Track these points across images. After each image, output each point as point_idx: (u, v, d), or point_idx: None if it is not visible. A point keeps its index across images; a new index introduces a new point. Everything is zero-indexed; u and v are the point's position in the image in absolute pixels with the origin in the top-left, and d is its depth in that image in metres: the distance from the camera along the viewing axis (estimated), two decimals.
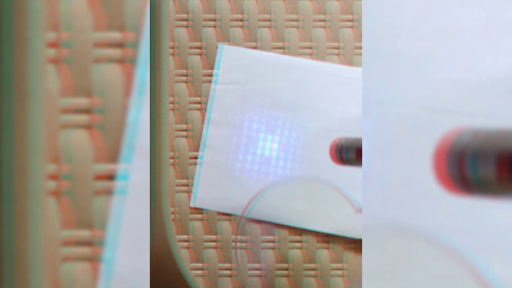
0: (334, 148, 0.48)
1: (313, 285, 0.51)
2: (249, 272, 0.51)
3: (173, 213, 0.51)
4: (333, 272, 0.51)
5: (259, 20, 0.52)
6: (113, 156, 0.36)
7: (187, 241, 0.51)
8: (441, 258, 0.33)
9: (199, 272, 0.51)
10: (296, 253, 0.51)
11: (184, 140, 0.52)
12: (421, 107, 0.35)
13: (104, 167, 0.36)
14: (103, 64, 0.36)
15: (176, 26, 0.52)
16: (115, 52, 0.36)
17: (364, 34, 0.35)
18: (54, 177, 0.35)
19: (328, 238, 0.51)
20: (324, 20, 0.52)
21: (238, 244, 0.50)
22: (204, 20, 0.52)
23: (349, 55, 0.52)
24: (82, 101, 0.36)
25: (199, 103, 0.52)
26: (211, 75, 0.52)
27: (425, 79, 0.35)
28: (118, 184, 0.36)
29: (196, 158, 0.51)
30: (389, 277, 0.34)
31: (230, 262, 0.51)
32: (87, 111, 0.36)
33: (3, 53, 0.35)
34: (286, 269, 0.51)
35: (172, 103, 0.52)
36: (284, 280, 0.51)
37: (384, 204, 0.34)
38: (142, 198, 0.36)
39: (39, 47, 0.35)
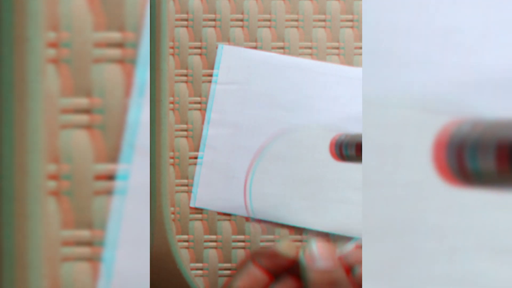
0: (334, 144, 0.48)
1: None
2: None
3: (173, 213, 0.51)
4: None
5: (259, 20, 0.52)
6: (113, 156, 0.36)
7: (187, 241, 0.51)
8: (441, 258, 0.33)
9: (199, 272, 0.51)
10: None
11: (184, 140, 0.52)
12: (421, 107, 0.35)
13: (104, 167, 0.36)
14: (103, 64, 0.36)
15: (176, 26, 0.52)
16: (115, 52, 0.36)
17: (364, 34, 0.35)
18: (54, 177, 0.35)
19: (328, 238, 0.51)
20: (324, 20, 0.52)
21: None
22: (204, 20, 0.52)
23: (349, 55, 0.52)
24: (82, 101, 0.36)
25: (199, 103, 0.52)
26: (211, 75, 0.52)
27: (425, 79, 0.35)
28: (118, 184, 0.36)
29: (196, 158, 0.51)
30: (389, 277, 0.34)
31: (230, 262, 0.51)
32: (87, 111, 0.36)
33: (3, 53, 0.35)
34: None
35: (172, 103, 0.52)
36: None
37: (384, 204, 0.34)
38: (142, 198, 0.36)
39: (39, 47, 0.35)
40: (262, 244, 0.51)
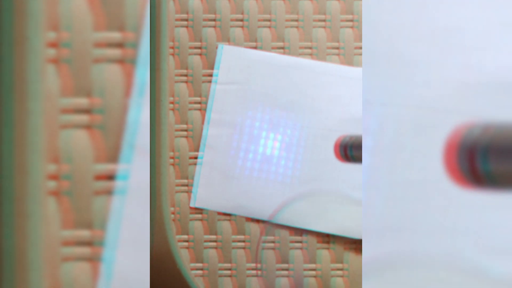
0: (338, 145, 0.48)
1: (314, 285, 0.51)
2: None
3: (173, 213, 0.51)
4: (333, 272, 0.51)
5: (259, 20, 0.52)
6: (113, 156, 0.36)
7: (187, 241, 0.51)
8: (441, 258, 0.33)
9: (199, 272, 0.51)
10: (296, 253, 0.51)
11: (184, 140, 0.52)
12: (421, 106, 0.35)
13: (104, 167, 0.36)
14: (103, 64, 0.36)
15: (176, 26, 0.52)
16: (115, 52, 0.36)
17: (364, 34, 0.35)
18: (54, 177, 0.35)
19: (328, 239, 0.51)
20: (324, 20, 0.52)
21: (264, 244, 0.50)
22: (204, 20, 0.52)
23: (349, 55, 0.52)
24: (82, 101, 0.36)
25: (199, 103, 0.52)
26: (211, 75, 0.52)
27: (425, 79, 0.35)
28: (118, 184, 0.36)
29: (196, 158, 0.51)
30: (389, 277, 0.34)
31: (230, 262, 0.51)
32: (87, 111, 0.36)
33: (3, 53, 0.35)
34: (287, 269, 0.51)
35: (172, 103, 0.52)
36: (284, 280, 0.51)
37: (384, 204, 0.34)
38: (142, 198, 0.36)
39: (39, 47, 0.35)
40: (262, 245, 0.51)
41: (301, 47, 0.52)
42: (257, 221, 0.51)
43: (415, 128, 0.34)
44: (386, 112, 0.35)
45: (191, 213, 0.51)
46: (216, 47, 0.52)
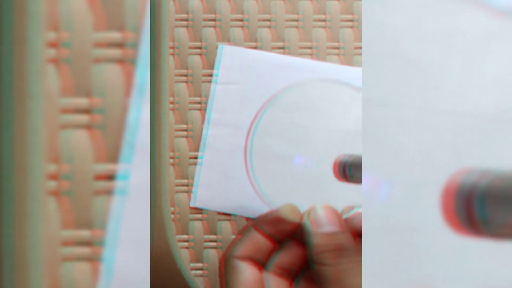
0: (337, 164, 0.48)
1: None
2: None
3: (173, 213, 0.51)
4: None
5: (259, 20, 0.52)
6: (113, 156, 0.36)
7: (187, 241, 0.51)
8: (441, 258, 0.33)
9: (199, 272, 0.51)
10: None
11: (184, 140, 0.52)
12: (422, 107, 0.35)
13: (104, 167, 0.36)
14: (103, 64, 0.36)
15: (176, 26, 0.52)
16: (115, 52, 0.36)
17: (364, 34, 0.35)
18: (54, 177, 0.35)
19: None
20: (324, 20, 0.52)
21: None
22: (204, 20, 0.52)
23: (349, 55, 0.52)
24: (82, 101, 0.36)
25: (199, 103, 0.52)
26: (211, 75, 0.52)
27: (425, 80, 0.35)
28: (118, 184, 0.36)
29: (196, 158, 0.51)
30: (389, 277, 0.34)
31: None
32: (87, 111, 0.36)
33: (3, 53, 0.35)
34: None
35: (172, 103, 0.52)
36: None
37: (384, 204, 0.34)
38: (142, 198, 0.36)
39: (39, 47, 0.35)
40: None
41: (301, 47, 0.52)
42: None
43: (415, 128, 0.34)
44: (387, 112, 0.35)
45: (191, 213, 0.51)
46: (216, 47, 0.52)
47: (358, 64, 0.52)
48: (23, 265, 0.34)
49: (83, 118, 0.36)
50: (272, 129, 0.51)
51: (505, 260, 0.33)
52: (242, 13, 0.52)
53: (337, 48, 0.52)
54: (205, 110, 0.52)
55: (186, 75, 0.52)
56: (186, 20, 0.52)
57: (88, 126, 0.36)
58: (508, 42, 0.34)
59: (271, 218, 0.43)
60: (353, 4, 0.52)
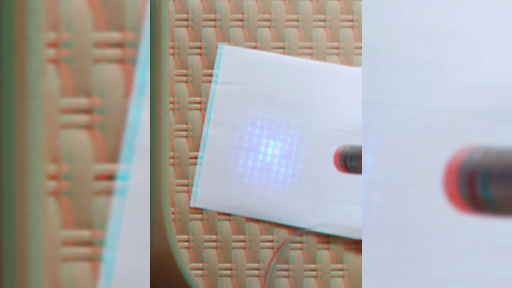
0: (338, 155, 0.48)
1: (314, 286, 0.51)
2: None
3: (173, 213, 0.51)
4: (333, 272, 0.51)
5: (259, 20, 0.52)
6: (113, 156, 0.36)
7: (187, 241, 0.51)
8: (441, 258, 0.33)
9: (199, 272, 0.51)
10: (296, 254, 0.51)
11: (184, 140, 0.52)
12: (422, 107, 0.35)
13: (104, 167, 0.36)
14: (103, 64, 0.36)
15: (176, 26, 0.52)
16: (115, 52, 0.36)
17: (364, 34, 0.35)
18: (54, 177, 0.35)
19: (328, 239, 0.51)
20: (324, 20, 0.52)
21: (277, 272, 0.49)
22: (204, 20, 0.52)
23: (349, 55, 0.52)
24: (82, 101, 0.36)
25: (199, 103, 0.52)
26: (211, 75, 0.52)
27: (425, 80, 0.35)
28: (118, 184, 0.36)
29: (196, 158, 0.51)
30: (389, 277, 0.34)
31: (230, 262, 0.51)
32: (87, 111, 0.36)
33: (3, 53, 0.35)
34: (287, 270, 0.51)
35: (172, 103, 0.52)
36: (284, 281, 0.51)
37: (384, 204, 0.34)
38: (142, 198, 0.36)
39: (39, 47, 0.35)
40: (261, 244, 0.51)
41: (301, 47, 0.52)
42: (257, 221, 0.51)
43: (415, 128, 0.34)
44: (387, 112, 0.35)
45: (191, 213, 0.51)
46: (216, 47, 0.52)
47: (358, 64, 0.52)
48: (23, 265, 0.34)
49: (83, 118, 0.36)
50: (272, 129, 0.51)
51: (505, 261, 0.33)
52: (242, 13, 0.52)
53: (337, 48, 0.52)
54: (205, 110, 0.52)
55: (186, 75, 0.52)
56: (186, 20, 0.52)
57: (88, 126, 0.36)
58: (506, 41, 0.34)
59: None
60: (353, 4, 0.52)
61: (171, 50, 0.52)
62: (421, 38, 0.35)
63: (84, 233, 0.36)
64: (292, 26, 0.52)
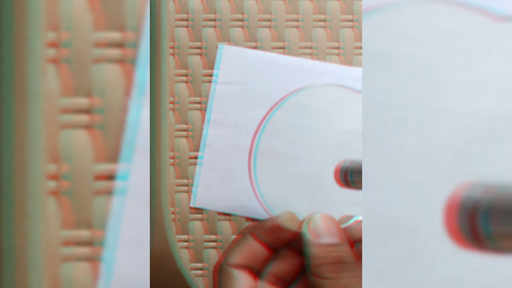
0: (339, 170, 0.47)
1: None
2: None
3: (173, 213, 0.51)
4: None
5: (259, 20, 0.52)
6: (113, 156, 0.36)
7: (187, 241, 0.51)
8: (441, 258, 0.33)
9: (199, 272, 0.51)
10: None
11: (184, 140, 0.52)
12: (422, 108, 0.35)
13: (104, 167, 0.36)
14: (103, 64, 0.36)
15: (176, 26, 0.52)
16: (115, 52, 0.36)
17: (364, 34, 0.35)
18: (54, 177, 0.35)
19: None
20: (324, 20, 0.52)
21: None
22: (204, 20, 0.52)
23: (349, 55, 0.52)
24: (82, 101, 0.36)
25: (199, 103, 0.52)
26: (211, 75, 0.52)
27: (425, 80, 0.35)
28: (118, 184, 0.36)
29: (196, 158, 0.51)
30: (389, 277, 0.34)
31: None
32: (87, 111, 0.36)
33: (3, 53, 0.35)
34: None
35: (172, 103, 0.52)
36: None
37: (384, 204, 0.34)
38: (142, 198, 0.36)
39: (39, 47, 0.35)
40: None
41: (301, 47, 0.52)
42: (257, 221, 0.51)
43: (415, 129, 0.34)
44: (387, 113, 0.35)
45: (191, 213, 0.51)
46: (216, 47, 0.52)
47: (358, 64, 0.52)
48: (23, 265, 0.34)
49: (83, 118, 0.36)
50: (276, 131, 0.51)
51: (505, 261, 0.33)
52: (242, 13, 0.52)
53: (337, 48, 0.52)
54: (205, 110, 0.52)
55: (186, 75, 0.52)
56: (186, 20, 0.52)
57: (88, 126, 0.36)
58: (508, 44, 0.34)
59: (270, 225, 0.42)
60: (353, 4, 0.52)
61: (171, 50, 0.52)
62: (422, 38, 0.35)
63: (84, 233, 0.35)
64: (292, 26, 0.52)
